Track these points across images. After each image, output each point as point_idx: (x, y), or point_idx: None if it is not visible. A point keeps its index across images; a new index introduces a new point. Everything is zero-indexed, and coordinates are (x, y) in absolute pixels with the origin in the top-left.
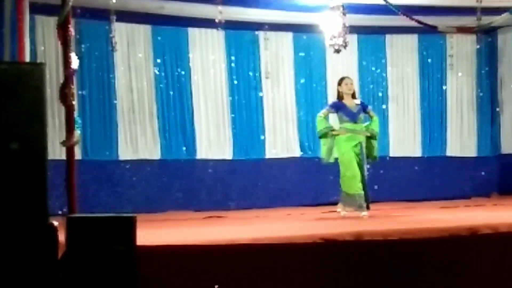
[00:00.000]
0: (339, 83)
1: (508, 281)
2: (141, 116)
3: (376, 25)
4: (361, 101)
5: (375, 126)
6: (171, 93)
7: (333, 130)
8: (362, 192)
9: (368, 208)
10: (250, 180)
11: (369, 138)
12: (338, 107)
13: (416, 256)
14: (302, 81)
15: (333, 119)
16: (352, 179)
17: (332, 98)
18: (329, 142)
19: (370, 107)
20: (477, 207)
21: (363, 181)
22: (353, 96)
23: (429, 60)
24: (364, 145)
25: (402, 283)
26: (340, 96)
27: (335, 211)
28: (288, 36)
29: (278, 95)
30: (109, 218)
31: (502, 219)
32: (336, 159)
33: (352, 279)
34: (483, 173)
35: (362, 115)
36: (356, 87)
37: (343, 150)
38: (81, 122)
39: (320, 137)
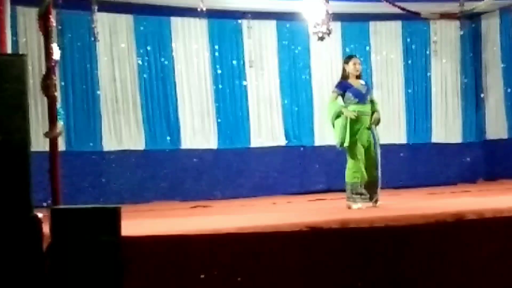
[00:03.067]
0: (346, 62)
1: (494, 266)
2: (124, 106)
3: (359, 12)
4: (366, 82)
5: (377, 112)
6: (155, 83)
7: (343, 110)
8: (359, 182)
9: (371, 199)
10: (235, 169)
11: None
12: (345, 87)
13: (402, 243)
14: (286, 69)
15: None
16: (357, 164)
17: (316, 86)
18: (342, 123)
19: (372, 90)
20: (463, 193)
21: (373, 167)
22: (358, 77)
23: (413, 47)
24: (373, 127)
25: (388, 270)
26: (345, 76)
27: (321, 199)
28: (272, 24)
29: (262, 84)
30: (94, 209)
31: (488, 204)
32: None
33: (339, 267)
34: (468, 159)
35: (369, 97)
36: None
37: (354, 132)
38: (64, 113)
39: (333, 123)
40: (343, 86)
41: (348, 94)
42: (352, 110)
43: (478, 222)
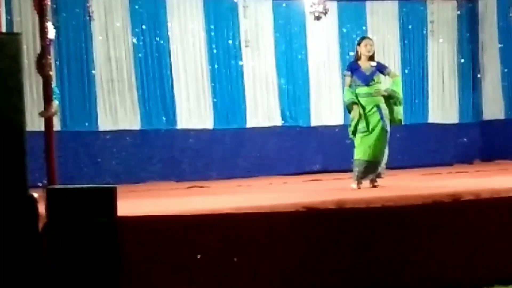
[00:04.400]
0: (359, 43)
1: (491, 246)
2: (120, 86)
3: None
4: (377, 63)
5: (396, 87)
6: (150, 62)
7: (354, 106)
8: (367, 159)
9: (373, 179)
10: (231, 150)
11: (389, 99)
12: (353, 69)
13: (399, 223)
14: (283, 49)
15: None
16: (360, 144)
17: (313, 66)
18: (351, 116)
19: (389, 68)
20: (460, 174)
21: (380, 147)
22: (372, 58)
23: (410, 27)
24: (383, 107)
25: (386, 250)
26: (357, 57)
27: (317, 180)
28: (268, 3)
29: (259, 64)
30: (90, 189)
31: (485, 185)
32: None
33: (336, 247)
34: (465, 139)
35: (377, 77)
36: (336, 55)
37: (359, 109)
38: (59, 92)
39: (348, 110)
40: (351, 69)
41: (354, 77)
42: (357, 92)
43: (475, 203)
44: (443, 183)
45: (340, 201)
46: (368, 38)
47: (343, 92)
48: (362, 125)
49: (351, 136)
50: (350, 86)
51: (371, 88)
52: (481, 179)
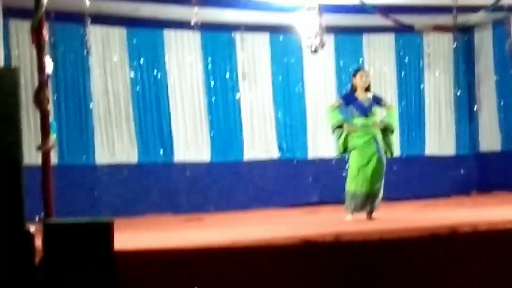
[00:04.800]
0: (354, 75)
1: (488, 278)
2: (117, 119)
3: (352, 24)
4: (373, 95)
5: (391, 118)
6: (148, 95)
7: (344, 125)
8: (364, 191)
9: (370, 211)
10: (228, 182)
11: (385, 131)
12: (349, 100)
13: (397, 256)
14: (280, 82)
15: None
16: (357, 175)
17: (310, 99)
18: (340, 134)
19: (385, 100)
20: (457, 206)
21: (377, 179)
22: (368, 89)
23: (407, 59)
24: (380, 138)
25: (383, 283)
26: (353, 89)
27: (315, 212)
28: (265, 37)
29: (256, 96)
30: (86, 223)
31: (482, 217)
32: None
33: (334, 280)
34: (462, 171)
35: (374, 109)
36: (333, 87)
37: (355, 145)
38: (57, 126)
39: (333, 131)
40: (347, 99)
41: (351, 107)
42: (354, 124)
43: (473, 235)
44: (441, 215)
45: (337, 233)
46: (363, 69)
47: (330, 113)
48: (359, 158)
49: (341, 153)
50: (337, 108)
51: (369, 119)
52: (478, 211)
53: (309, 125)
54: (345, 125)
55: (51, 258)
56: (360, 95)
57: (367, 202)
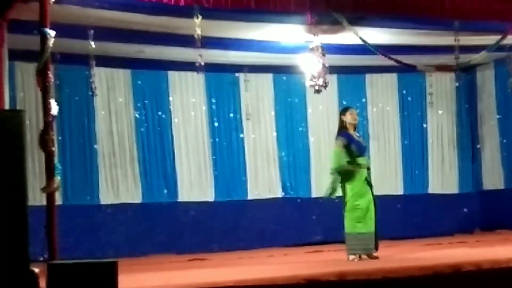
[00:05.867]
0: (343, 113)
1: None
2: (122, 159)
3: (355, 64)
4: (360, 134)
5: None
6: (152, 136)
7: (351, 166)
8: (373, 231)
9: (376, 248)
10: (232, 222)
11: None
12: (350, 139)
13: None
14: (283, 121)
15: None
16: (365, 213)
17: (313, 138)
18: (337, 178)
19: None
20: (460, 244)
21: (372, 219)
22: (355, 128)
23: (409, 98)
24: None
25: None
26: (344, 127)
27: (318, 251)
28: (268, 77)
29: (259, 136)
30: (91, 264)
31: (485, 255)
32: (337, 196)
33: None
34: (465, 209)
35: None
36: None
37: (356, 181)
38: (61, 168)
39: (333, 173)
40: (347, 137)
41: (353, 147)
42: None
43: (476, 274)
44: (444, 253)
45: (341, 272)
46: (352, 108)
47: (337, 155)
48: (365, 198)
49: (329, 195)
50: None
51: (365, 158)
52: (482, 249)
53: (312, 164)
54: (351, 167)
55: None
56: (353, 133)
57: (375, 240)
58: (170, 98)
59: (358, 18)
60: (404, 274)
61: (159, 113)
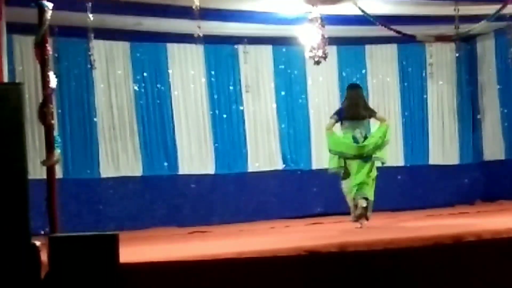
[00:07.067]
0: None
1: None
2: (121, 133)
3: (355, 35)
4: None
5: None
6: (152, 109)
7: None
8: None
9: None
10: (233, 194)
11: None
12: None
13: (402, 265)
14: (283, 93)
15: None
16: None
17: (313, 110)
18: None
19: None
20: (461, 215)
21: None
22: None
23: (409, 69)
24: None
25: None
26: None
27: (319, 223)
28: (268, 49)
29: (259, 108)
30: (92, 237)
31: (486, 226)
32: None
33: None
34: (466, 180)
35: None
36: (336, 98)
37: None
38: (61, 141)
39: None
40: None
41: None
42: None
43: (477, 244)
44: (445, 224)
45: (342, 244)
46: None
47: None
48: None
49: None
50: None
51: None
52: (483, 220)
53: (312, 136)
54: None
55: (56, 272)
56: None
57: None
58: (169, 71)
59: None
60: (405, 245)
61: (159, 85)
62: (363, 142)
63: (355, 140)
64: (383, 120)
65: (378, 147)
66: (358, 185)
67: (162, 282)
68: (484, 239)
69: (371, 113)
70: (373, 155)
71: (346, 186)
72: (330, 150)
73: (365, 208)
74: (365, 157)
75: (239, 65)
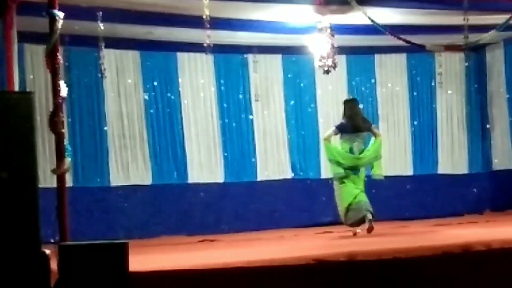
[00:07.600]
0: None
1: None
2: (132, 141)
3: (364, 45)
4: None
5: None
6: (162, 118)
7: None
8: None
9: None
10: (242, 203)
11: None
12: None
13: (410, 275)
14: (292, 102)
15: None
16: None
17: (322, 119)
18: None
19: None
20: (470, 224)
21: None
22: None
23: (418, 79)
24: None
25: None
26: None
27: (328, 232)
28: (277, 58)
29: (269, 117)
30: (101, 245)
31: (495, 235)
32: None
33: None
34: (475, 190)
35: None
36: None
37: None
38: (72, 149)
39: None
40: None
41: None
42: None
43: (486, 253)
44: (454, 233)
45: (351, 253)
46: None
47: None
48: None
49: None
50: None
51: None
52: (492, 229)
53: (321, 145)
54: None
55: (66, 280)
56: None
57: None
58: (179, 80)
59: None
60: (413, 254)
61: (168, 94)
62: (359, 155)
63: (351, 151)
64: (378, 135)
65: (371, 161)
66: (360, 200)
67: None
68: (493, 249)
69: (369, 126)
70: (373, 173)
71: (340, 194)
72: (330, 160)
73: (370, 220)
74: (357, 170)
75: (248, 74)
